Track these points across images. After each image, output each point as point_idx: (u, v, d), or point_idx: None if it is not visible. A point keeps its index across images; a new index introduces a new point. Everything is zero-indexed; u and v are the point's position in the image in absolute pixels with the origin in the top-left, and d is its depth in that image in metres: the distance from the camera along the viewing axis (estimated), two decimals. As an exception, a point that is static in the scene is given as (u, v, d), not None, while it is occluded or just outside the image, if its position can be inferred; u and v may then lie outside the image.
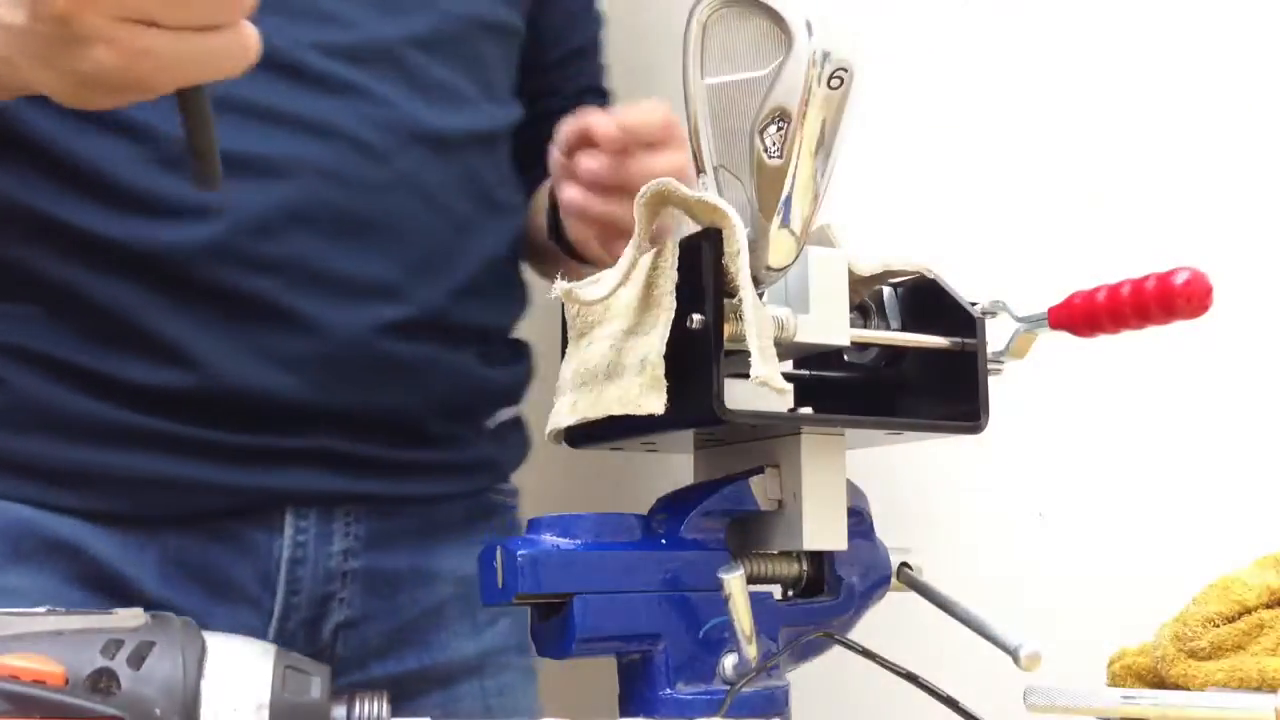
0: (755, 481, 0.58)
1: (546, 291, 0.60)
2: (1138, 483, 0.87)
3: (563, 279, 0.59)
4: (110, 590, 0.76)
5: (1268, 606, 0.61)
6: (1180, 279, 0.57)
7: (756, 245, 0.54)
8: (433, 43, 0.85)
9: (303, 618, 0.81)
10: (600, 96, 1.06)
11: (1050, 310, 0.63)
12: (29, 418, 0.76)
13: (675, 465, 0.66)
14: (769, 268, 0.55)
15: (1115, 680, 0.65)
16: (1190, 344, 0.79)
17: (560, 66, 1.01)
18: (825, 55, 0.52)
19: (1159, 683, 0.63)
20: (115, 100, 0.59)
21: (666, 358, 0.54)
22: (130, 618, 0.47)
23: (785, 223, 0.55)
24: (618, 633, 0.55)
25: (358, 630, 0.83)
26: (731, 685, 0.56)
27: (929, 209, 0.94)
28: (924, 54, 0.99)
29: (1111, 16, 0.91)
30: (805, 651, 0.61)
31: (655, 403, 0.54)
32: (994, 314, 0.63)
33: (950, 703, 0.56)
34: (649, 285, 0.57)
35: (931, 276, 0.63)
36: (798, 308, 0.58)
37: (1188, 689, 0.60)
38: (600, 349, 0.59)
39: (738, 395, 0.54)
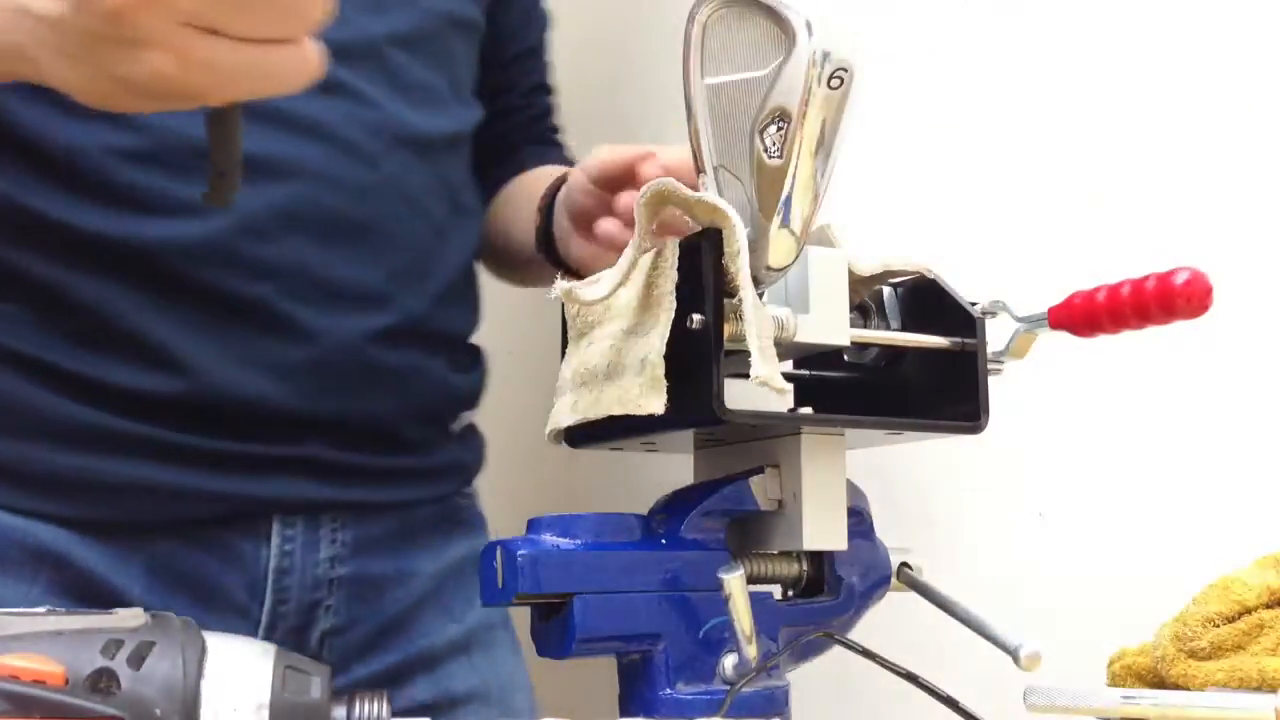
0: (755, 481, 0.58)
1: (546, 291, 0.60)
2: (1138, 483, 0.87)
3: (562, 279, 0.59)
4: (96, 601, 0.75)
5: (1268, 606, 0.61)
6: (1180, 279, 0.57)
7: (756, 245, 0.55)
8: (413, 41, 0.84)
9: (290, 626, 0.80)
10: (549, 93, 1.06)
11: (1050, 310, 0.63)
12: (12, 422, 0.74)
13: (675, 465, 0.66)
14: (769, 268, 0.55)
15: (1115, 680, 0.65)
16: (1190, 344, 0.79)
17: (515, 63, 1.01)
18: (825, 55, 0.52)
19: (1159, 683, 0.63)
20: (152, 107, 0.55)
21: (666, 358, 0.54)
22: (130, 618, 0.47)
23: (785, 223, 0.55)
24: (618, 633, 0.55)
25: (343, 636, 0.83)
26: (731, 685, 0.56)
27: (929, 209, 0.94)
28: (924, 54, 0.99)
29: (1111, 17, 0.91)
30: (805, 651, 0.61)
31: (655, 403, 0.54)
32: (994, 314, 0.63)
33: (950, 703, 0.56)
34: (649, 285, 0.57)
35: (931, 276, 0.63)
36: (798, 308, 0.58)
37: (1188, 689, 0.60)
38: (600, 349, 0.59)
39: (738, 395, 0.54)
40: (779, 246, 0.55)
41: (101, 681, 0.44)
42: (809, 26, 0.52)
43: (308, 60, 0.53)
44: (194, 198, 0.73)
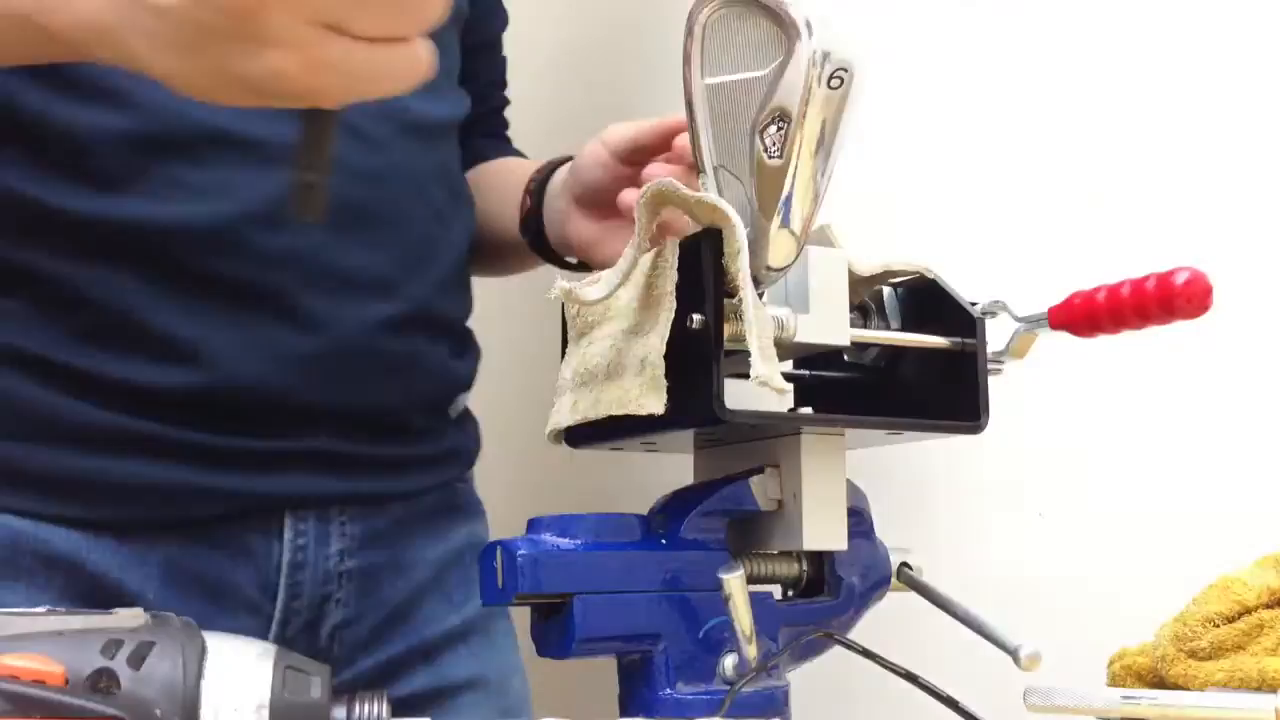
0: (755, 481, 0.59)
1: (546, 291, 0.60)
2: (1138, 483, 0.87)
3: (562, 279, 0.59)
4: (110, 605, 0.74)
5: (1268, 606, 0.61)
6: (1180, 279, 0.57)
7: (756, 245, 0.55)
8: None
9: (303, 621, 0.80)
10: (503, 89, 1.06)
11: (1050, 310, 0.63)
12: (21, 423, 0.73)
13: (675, 465, 0.66)
14: (769, 268, 0.55)
15: (1115, 680, 0.65)
16: (1190, 344, 0.79)
17: (477, 55, 1.00)
18: (825, 55, 0.52)
19: (1159, 683, 0.63)
20: (260, 104, 0.52)
21: (666, 358, 0.54)
22: (130, 618, 0.47)
23: (785, 223, 0.55)
24: (618, 633, 0.55)
25: (352, 629, 0.83)
26: (731, 685, 0.56)
27: (929, 209, 0.94)
28: (924, 54, 0.99)
29: (1112, 17, 0.91)
30: (805, 651, 0.61)
31: (655, 403, 0.54)
32: (994, 314, 0.63)
33: (950, 703, 0.56)
34: (649, 285, 0.57)
35: (931, 276, 0.63)
36: (798, 308, 0.58)
37: (1188, 689, 0.60)
38: (600, 349, 0.59)
39: (738, 395, 0.54)
40: (779, 246, 0.55)
41: (101, 681, 0.44)
42: (809, 26, 0.52)
43: (420, 59, 0.52)
44: (202, 183, 0.72)
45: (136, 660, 0.45)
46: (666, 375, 0.54)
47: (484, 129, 1.04)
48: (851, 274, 0.60)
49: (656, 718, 0.55)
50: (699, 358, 0.53)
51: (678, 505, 0.59)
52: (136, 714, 0.44)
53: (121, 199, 0.73)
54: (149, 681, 0.44)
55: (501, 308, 1.05)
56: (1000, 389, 0.62)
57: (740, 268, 0.53)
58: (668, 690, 0.55)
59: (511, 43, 1.06)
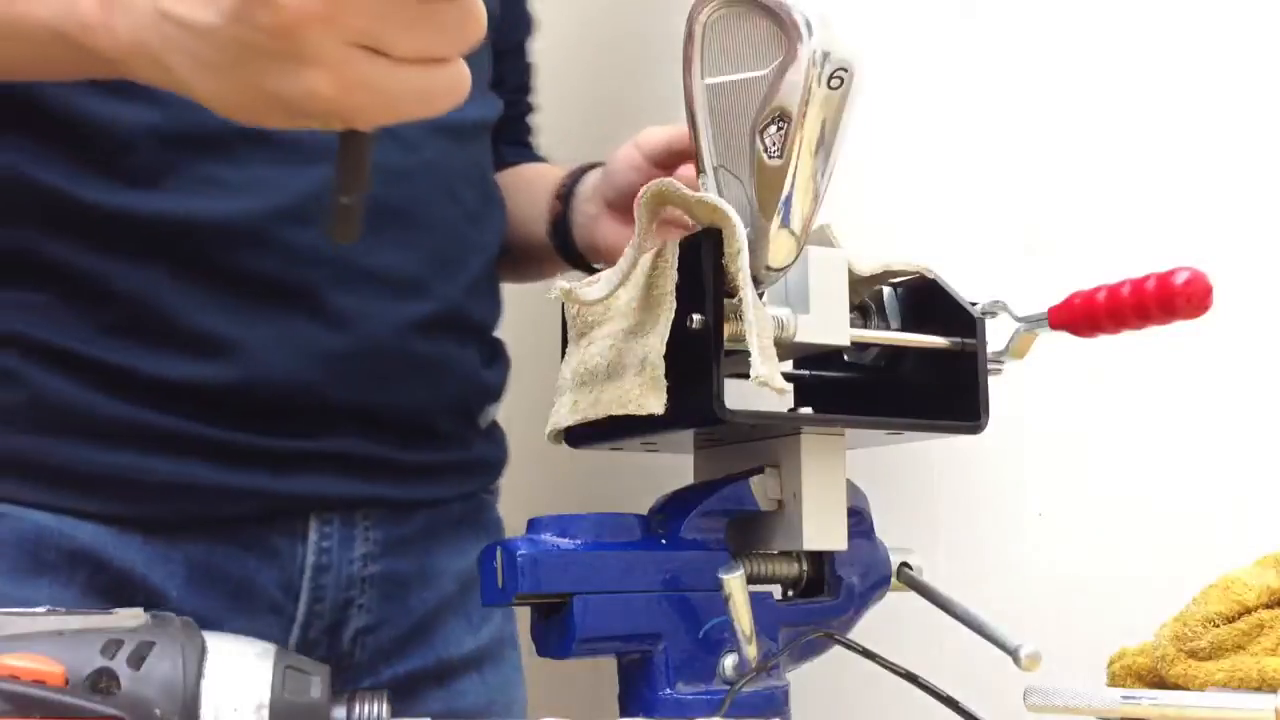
0: (755, 481, 0.59)
1: (546, 291, 0.60)
2: (1138, 482, 0.87)
3: (562, 279, 0.59)
4: (133, 602, 0.73)
5: (1268, 606, 0.61)
6: (1180, 279, 0.57)
7: (756, 245, 0.55)
8: None
9: (325, 624, 0.80)
10: (529, 94, 1.06)
11: (1050, 310, 0.63)
12: (48, 419, 0.73)
13: (675, 465, 0.66)
14: (769, 268, 0.55)
15: (1115, 680, 0.65)
16: (1190, 344, 0.79)
17: (504, 59, 1.00)
18: (825, 55, 0.52)
19: (1159, 683, 0.63)
20: (298, 124, 0.52)
21: (666, 358, 0.54)
22: (130, 618, 0.47)
23: (785, 223, 0.55)
24: (618, 633, 0.55)
25: (374, 635, 0.82)
26: (731, 685, 0.56)
27: (929, 209, 0.94)
28: (924, 53, 0.99)
29: (1112, 17, 0.91)
30: (805, 651, 0.61)
31: (655, 403, 0.54)
32: (994, 314, 0.63)
33: (950, 703, 0.56)
34: (649, 285, 0.57)
35: (931, 276, 0.63)
36: (798, 308, 0.58)
37: (1188, 689, 0.60)
38: (600, 349, 0.59)
39: (738, 395, 0.54)
40: (779, 246, 0.55)
41: (101, 681, 0.44)
42: (809, 26, 0.52)
43: (460, 80, 0.51)
44: (233, 179, 0.72)
45: (136, 660, 0.45)
46: (666, 375, 0.54)
47: (509, 135, 1.04)
48: (851, 274, 0.60)
49: (656, 718, 0.55)
50: (699, 358, 0.53)
51: (678, 505, 0.59)
52: (136, 714, 0.44)
53: (153, 194, 0.73)
54: (149, 681, 0.44)
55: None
56: (1000, 389, 0.62)
57: (740, 268, 0.53)
58: (668, 690, 0.55)
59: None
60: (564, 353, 0.63)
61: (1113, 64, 0.90)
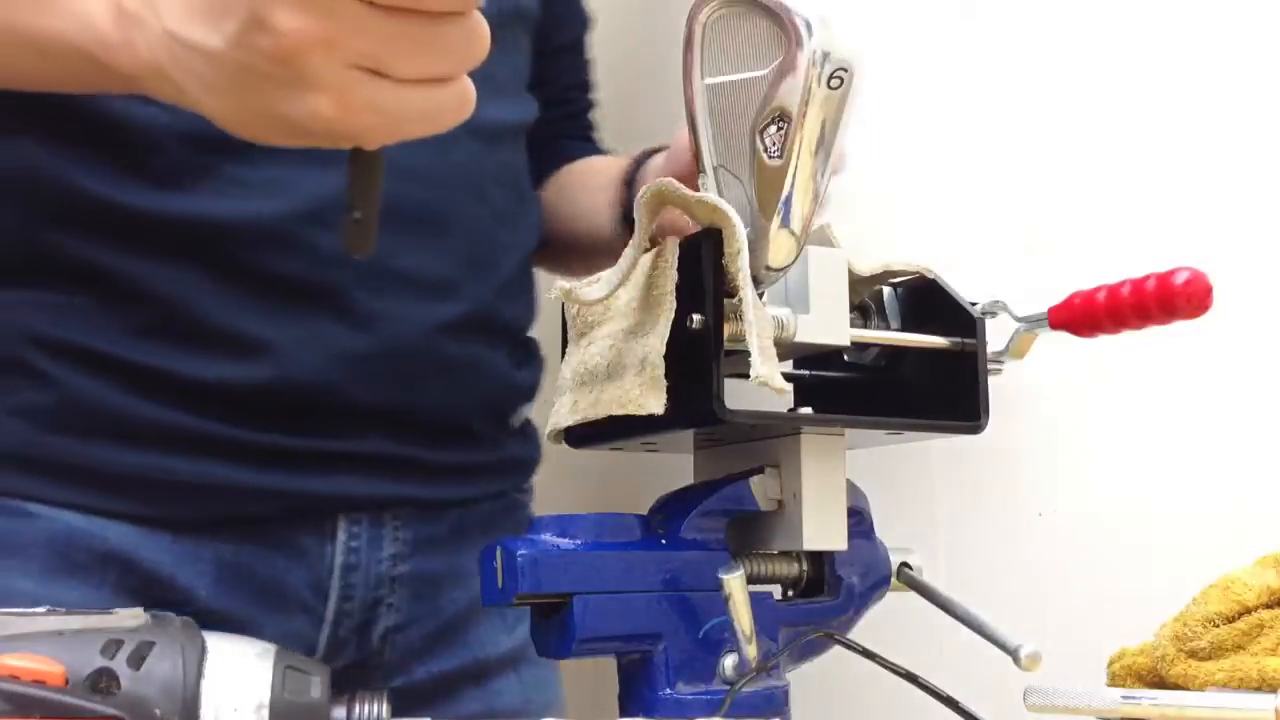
0: (755, 481, 0.59)
1: (549, 290, 0.60)
2: (1137, 482, 0.87)
3: (562, 279, 0.59)
4: (163, 602, 0.73)
5: (1268, 606, 0.61)
6: (1180, 279, 0.57)
7: (756, 245, 0.55)
8: None
9: (354, 623, 0.80)
10: (589, 91, 1.06)
11: (1050, 310, 0.63)
12: (77, 419, 0.73)
13: (675, 465, 0.66)
14: (769, 268, 0.55)
15: (1115, 680, 0.65)
16: (1190, 344, 0.79)
17: (558, 56, 1.00)
18: (825, 55, 0.52)
19: (1159, 683, 0.63)
20: (304, 144, 0.53)
21: (666, 358, 0.54)
22: (130, 618, 0.47)
23: (785, 223, 0.55)
24: (618, 633, 0.55)
25: (404, 634, 0.83)
26: (731, 685, 0.56)
27: (929, 209, 0.94)
28: (924, 53, 0.99)
29: (1112, 17, 0.91)
30: (805, 651, 0.61)
31: (655, 403, 0.54)
32: (994, 314, 0.63)
33: (950, 703, 0.56)
34: (649, 285, 0.57)
35: (931, 276, 0.63)
36: (798, 308, 0.58)
37: (1188, 689, 0.60)
38: (600, 349, 0.59)
39: (738, 395, 0.54)
40: (779, 246, 0.55)
41: (101, 681, 0.44)
42: (809, 27, 0.52)
43: (464, 99, 0.52)
44: (261, 181, 0.73)
45: (136, 660, 0.45)
46: (666, 375, 0.54)
47: (570, 131, 1.04)
48: (851, 274, 0.60)
49: (656, 718, 0.55)
50: (699, 358, 0.53)
51: (678, 505, 0.59)
52: (136, 714, 0.44)
53: (181, 196, 0.73)
54: (149, 681, 0.44)
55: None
56: (1000, 389, 0.62)
57: (740, 268, 0.53)
58: (668, 690, 0.55)
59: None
60: (564, 353, 0.63)
61: (1112, 64, 0.90)
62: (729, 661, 0.56)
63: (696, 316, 0.54)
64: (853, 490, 0.61)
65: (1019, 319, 0.63)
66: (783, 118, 0.53)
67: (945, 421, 0.61)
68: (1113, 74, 0.90)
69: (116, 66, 0.55)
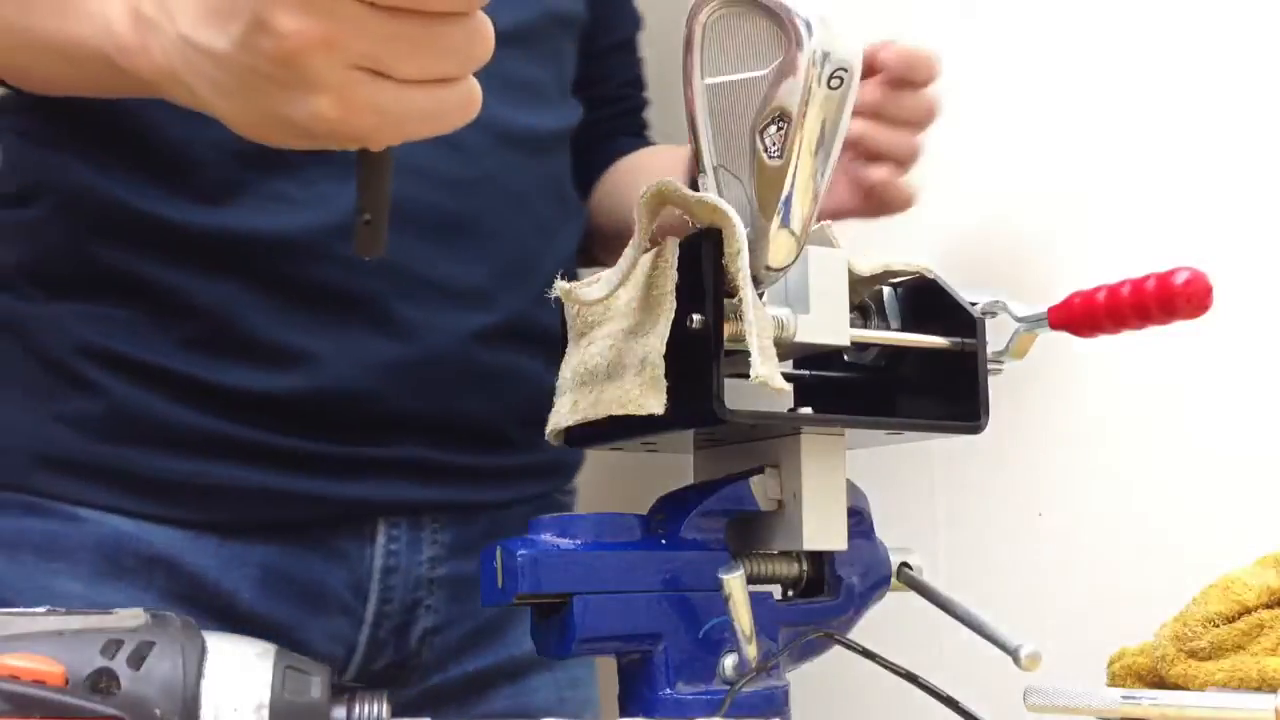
0: (755, 481, 0.58)
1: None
2: (1137, 482, 0.87)
3: (563, 279, 0.59)
4: (208, 605, 0.76)
5: (1268, 606, 0.61)
6: (1180, 279, 0.57)
7: (756, 245, 0.54)
8: (522, 39, 0.84)
9: (393, 625, 0.81)
10: (641, 89, 1.06)
11: (1050, 310, 0.63)
12: (125, 427, 0.75)
13: (675, 465, 0.66)
14: (769, 268, 0.55)
15: (1115, 680, 0.65)
16: (1190, 344, 0.79)
17: (609, 55, 1.01)
18: (825, 55, 0.52)
19: (1159, 683, 0.63)
20: (310, 146, 0.53)
21: (666, 358, 0.54)
22: (130, 618, 0.47)
23: (785, 223, 0.55)
24: (618, 633, 0.55)
25: (442, 635, 0.84)
26: (731, 685, 0.56)
27: (929, 209, 0.94)
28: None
29: (1113, 17, 0.91)
30: (805, 651, 0.61)
31: (655, 403, 0.54)
32: (994, 314, 0.63)
33: (950, 703, 0.56)
34: (649, 285, 0.57)
35: (931, 276, 0.63)
36: (798, 308, 0.58)
37: (1188, 689, 0.60)
38: (600, 349, 0.59)
39: (738, 395, 0.54)
40: (779, 246, 0.55)
41: (101, 681, 0.44)
42: (809, 27, 0.52)
43: (470, 99, 0.52)
44: (300, 195, 0.74)
45: (136, 660, 0.45)
46: (666, 375, 0.54)
47: (624, 128, 1.04)
48: (851, 274, 0.60)
49: (656, 718, 0.55)
50: (699, 358, 0.53)
51: (678, 505, 0.58)
52: (136, 714, 0.44)
53: (228, 211, 0.75)
54: (149, 681, 0.44)
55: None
56: (1000, 389, 0.62)
57: (740, 268, 0.53)
58: (667, 690, 0.55)
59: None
60: (564, 353, 0.63)
61: (1113, 64, 0.90)
62: (729, 661, 0.56)
63: (696, 316, 0.54)
64: (853, 490, 0.61)
65: (1019, 319, 0.63)
66: (783, 118, 0.53)
67: (945, 421, 0.61)
68: (1113, 74, 0.90)
69: (134, 71, 0.56)
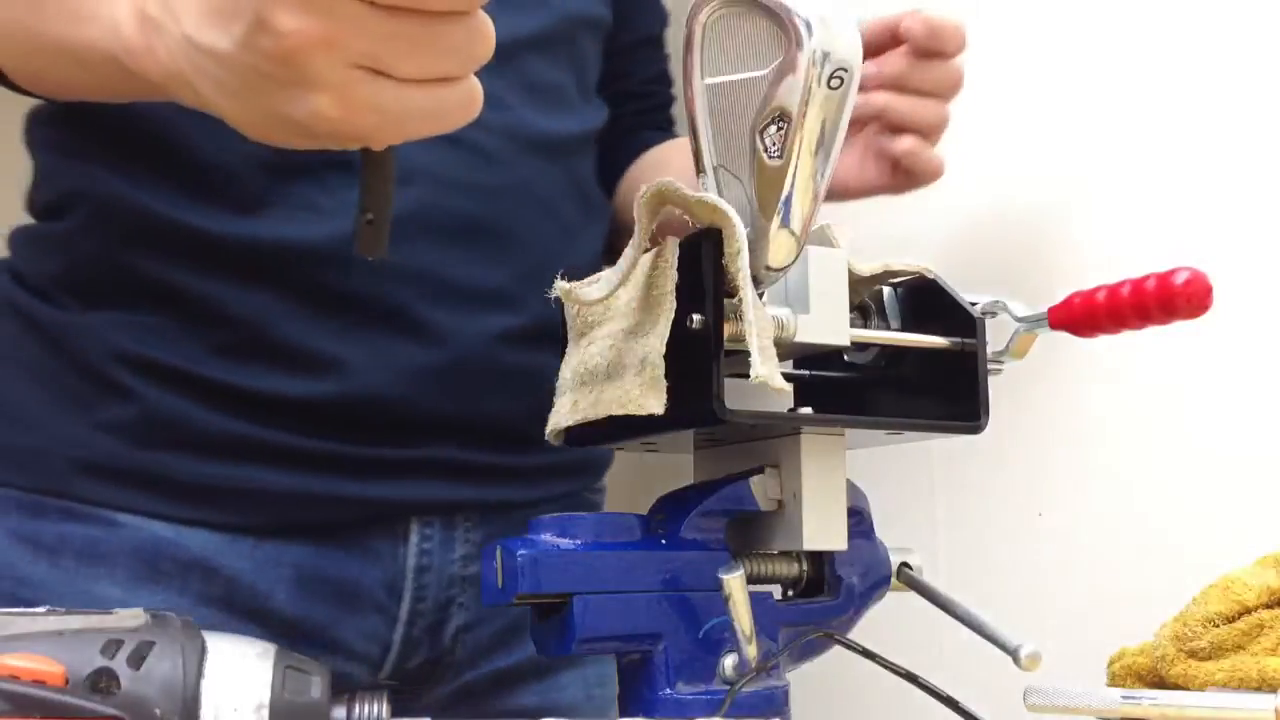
0: (755, 481, 0.58)
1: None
2: (1137, 482, 0.87)
3: (563, 279, 0.59)
4: (244, 608, 0.76)
5: (1268, 606, 0.61)
6: (1180, 279, 0.57)
7: (756, 245, 0.54)
8: (544, 43, 0.84)
9: (427, 623, 0.82)
10: (668, 85, 1.06)
11: (1050, 310, 0.63)
12: (159, 433, 0.75)
13: (675, 465, 0.66)
14: (769, 268, 0.55)
15: (1115, 680, 0.65)
16: (1190, 344, 0.79)
17: (634, 51, 1.01)
18: (825, 55, 0.52)
19: (1159, 683, 0.63)
20: (312, 145, 0.54)
21: (666, 358, 0.54)
22: (130, 618, 0.47)
23: (785, 223, 0.55)
24: (618, 633, 0.55)
25: (474, 633, 0.84)
26: (731, 685, 0.56)
27: (929, 209, 0.94)
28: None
29: (1113, 17, 0.91)
30: (805, 651, 0.61)
31: (655, 403, 0.54)
32: (994, 314, 0.63)
33: (950, 703, 0.56)
34: (649, 285, 0.57)
35: (931, 276, 0.63)
36: (798, 308, 0.58)
37: (1188, 689, 0.60)
38: (600, 349, 0.59)
39: (738, 395, 0.54)
40: (779, 246, 0.55)
41: (101, 681, 0.44)
42: (809, 27, 0.52)
43: (471, 98, 0.52)
44: (328, 204, 0.75)
45: (136, 660, 0.45)
46: (666, 375, 0.54)
47: (650, 123, 1.05)
48: (851, 274, 0.60)
49: (656, 718, 0.55)
50: (699, 358, 0.53)
51: (678, 505, 0.59)
52: (136, 714, 0.44)
53: (259, 220, 0.75)
54: (149, 681, 0.44)
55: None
56: (1000, 389, 0.62)
57: (740, 268, 0.53)
58: (668, 690, 0.55)
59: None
60: (564, 353, 0.63)
61: (1113, 64, 0.90)
62: (729, 661, 0.56)
63: (696, 316, 0.54)
64: (853, 490, 0.61)
65: (1019, 319, 0.63)
66: (783, 118, 0.53)
67: (945, 421, 0.61)
68: (1113, 74, 0.90)
69: (142, 72, 0.56)
